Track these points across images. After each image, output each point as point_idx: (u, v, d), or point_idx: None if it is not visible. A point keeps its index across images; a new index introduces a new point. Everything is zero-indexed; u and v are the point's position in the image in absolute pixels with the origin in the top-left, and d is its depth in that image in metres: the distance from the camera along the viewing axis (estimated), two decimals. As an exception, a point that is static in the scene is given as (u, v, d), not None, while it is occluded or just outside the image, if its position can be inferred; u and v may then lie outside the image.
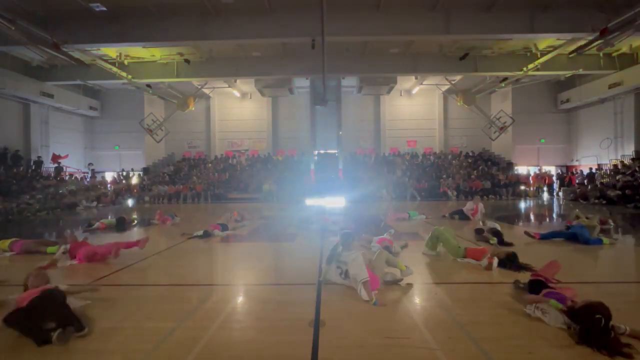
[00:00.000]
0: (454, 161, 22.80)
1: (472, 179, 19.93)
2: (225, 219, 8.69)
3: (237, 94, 24.90)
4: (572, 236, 6.64)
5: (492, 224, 6.98)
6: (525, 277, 4.10)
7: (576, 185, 19.21)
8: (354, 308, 3.55)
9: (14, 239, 6.42)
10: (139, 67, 18.22)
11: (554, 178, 21.60)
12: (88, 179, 21.42)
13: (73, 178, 19.87)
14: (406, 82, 23.22)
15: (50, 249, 6.26)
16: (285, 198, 18.33)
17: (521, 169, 22.71)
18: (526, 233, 6.97)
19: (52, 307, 3.03)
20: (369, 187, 18.55)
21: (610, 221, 8.21)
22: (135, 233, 8.76)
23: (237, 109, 25.91)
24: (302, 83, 22.48)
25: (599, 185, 16.77)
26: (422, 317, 3.31)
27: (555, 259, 4.15)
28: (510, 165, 22.62)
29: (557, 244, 6.57)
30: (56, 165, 19.81)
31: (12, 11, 11.86)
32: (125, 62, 17.69)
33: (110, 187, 20.54)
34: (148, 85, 20.08)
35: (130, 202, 19.07)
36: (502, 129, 20.84)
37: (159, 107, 24.47)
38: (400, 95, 25.26)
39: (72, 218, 12.96)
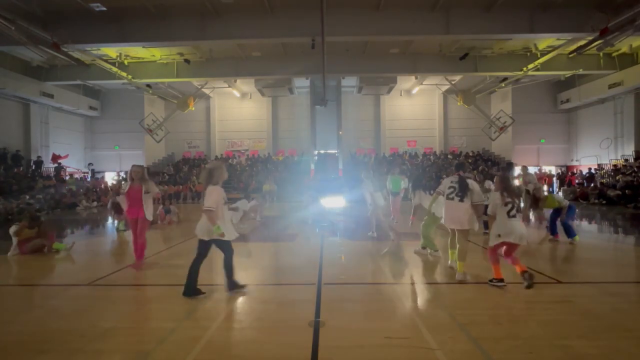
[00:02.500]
0: (454, 161, 22.80)
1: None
2: (244, 204, 8.72)
3: (237, 94, 24.90)
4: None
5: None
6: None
7: (576, 185, 19.21)
8: (354, 308, 3.55)
9: (34, 230, 6.33)
10: (139, 67, 18.21)
11: (554, 178, 21.59)
12: (88, 179, 21.42)
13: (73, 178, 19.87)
14: (406, 82, 23.21)
15: (57, 245, 6.32)
16: (286, 198, 18.32)
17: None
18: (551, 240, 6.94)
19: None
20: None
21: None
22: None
23: (237, 109, 25.91)
24: (302, 83, 22.46)
25: (599, 185, 16.77)
26: (422, 317, 3.31)
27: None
28: (510, 165, 22.61)
29: (562, 245, 6.58)
30: (56, 165, 19.81)
31: (12, 11, 11.85)
32: (125, 62, 17.68)
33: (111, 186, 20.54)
34: (148, 85, 20.07)
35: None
36: (502, 129, 20.83)
37: (159, 107, 24.48)
38: (400, 95, 25.26)
39: (72, 218, 12.96)
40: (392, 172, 8.90)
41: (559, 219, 6.84)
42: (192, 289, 3.85)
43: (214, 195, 3.80)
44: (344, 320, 3.23)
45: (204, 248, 3.93)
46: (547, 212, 7.25)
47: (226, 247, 3.95)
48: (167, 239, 7.77)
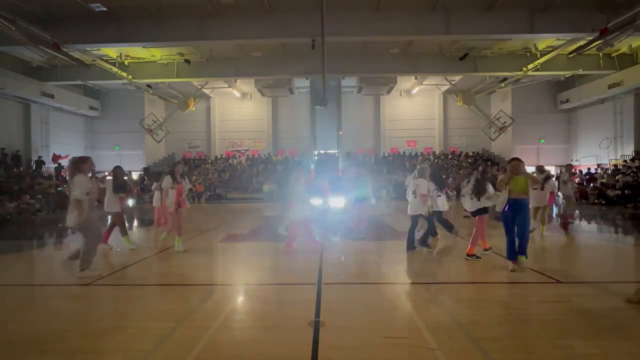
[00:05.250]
0: (454, 161, 22.82)
1: (472, 179, 19.94)
2: None
3: (237, 94, 24.90)
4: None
5: None
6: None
7: (575, 185, 19.19)
8: (354, 308, 3.55)
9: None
10: (139, 67, 18.21)
11: (554, 178, 21.56)
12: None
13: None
14: (406, 82, 23.20)
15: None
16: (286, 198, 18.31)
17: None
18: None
19: None
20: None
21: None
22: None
23: (237, 109, 25.92)
24: (302, 83, 22.46)
25: (598, 185, 16.77)
26: (422, 317, 3.31)
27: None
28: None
29: (562, 245, 6.57)
30: (57, 165, 19.80)
31: (13, 11, 11.84)
32: (126, 62, 17.67)
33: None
34: (148, 86, 20.07)
35: (130, 202, 19.02)
36: (502, 129, 20.84)
37: (159, 107, 24.47)
38: (400, 95, 25.26)
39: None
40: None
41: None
42: (411, 244, 5.89)
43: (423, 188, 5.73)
44: (344, 320, 3.23)
45: (416, 220, 5.99)
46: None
47: (427, 219, 6.06)
48: (166, 239, 7.75)
